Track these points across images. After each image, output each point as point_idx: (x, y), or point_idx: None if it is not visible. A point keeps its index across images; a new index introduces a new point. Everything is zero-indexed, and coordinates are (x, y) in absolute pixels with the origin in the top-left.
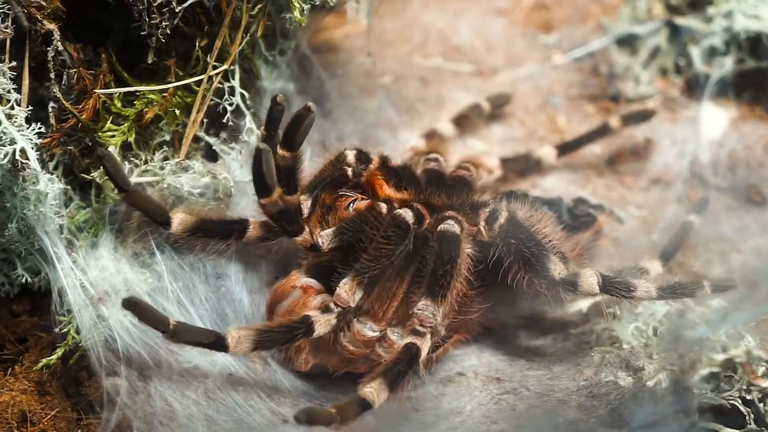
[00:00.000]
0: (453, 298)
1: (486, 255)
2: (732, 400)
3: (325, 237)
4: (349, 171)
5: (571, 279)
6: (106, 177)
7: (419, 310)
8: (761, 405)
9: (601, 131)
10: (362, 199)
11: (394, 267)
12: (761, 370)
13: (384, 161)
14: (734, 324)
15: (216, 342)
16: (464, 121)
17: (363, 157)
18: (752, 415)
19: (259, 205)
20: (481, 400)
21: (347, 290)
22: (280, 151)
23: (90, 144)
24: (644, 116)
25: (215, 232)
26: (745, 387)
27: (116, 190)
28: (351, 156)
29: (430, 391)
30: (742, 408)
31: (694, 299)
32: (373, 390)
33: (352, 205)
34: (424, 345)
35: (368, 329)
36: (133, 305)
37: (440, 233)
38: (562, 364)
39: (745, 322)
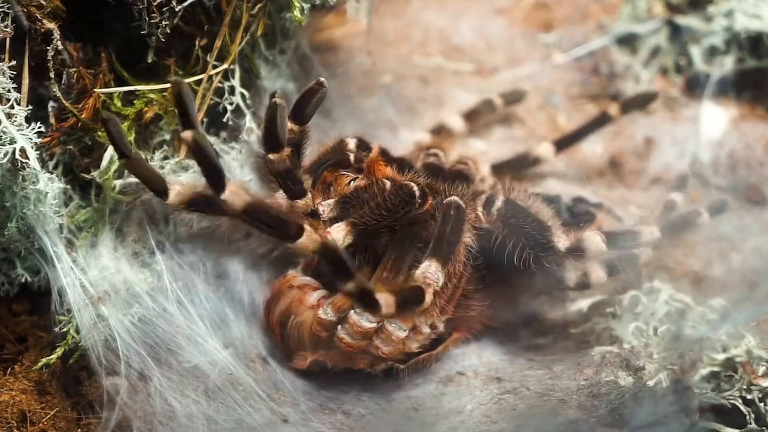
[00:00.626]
0: (458, 262)
1: (486, 244)
2: (732, 399)
3: (326, 205)
4: (351, 156)
5: (576, 245)
6: (109, 141)
7: (421, 270)
8: (762, 404)
9: (601, 121)
10: (363, 179)
11: (388, 227)
12: (762, 369)
13: (383, 150)
14: (735, 323)
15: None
16: (475, 117)
17: (363, 144)
18: (753, 415)
19: (265, 162)
20: (482, 400)
21: (338, 228)
22: (288, 124)
23: (90, 143)
24: (644, 101)
25: (211, 208)
26: (745, 386)
27: (117, 156)
28: (352, 143)
29: (430, 390)
30: (742, 407)
31: (695, 228)
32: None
33: (352, 183)
34: (428, 294)
35: (365, 320)
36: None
37: (448, 202)
38: (562, 364)
39: (745, 321)
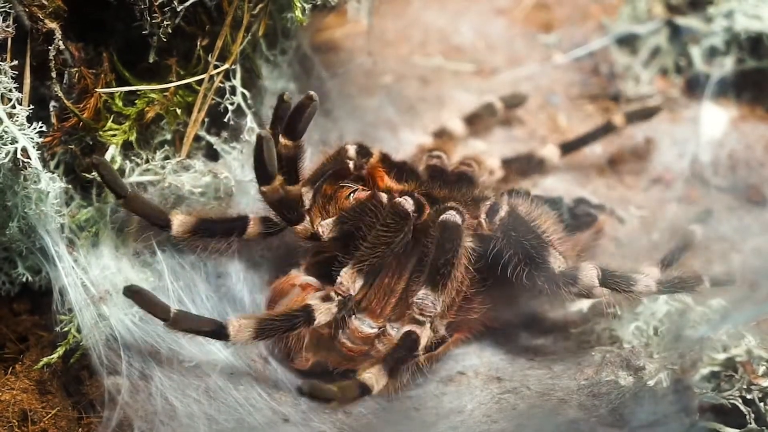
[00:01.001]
0: (453, 288)
1: (486, 249)
2: (732, 399)
3: (325, 226)
4: (351, 164)
5: (571, 272)
6: (103, 184)
7: (419, 299)
8: (762, 404)
9: (605, 129)
10: (363, 189)
11: (393, 256)
12: (762, 369)
13: (384, 156)
14: (735, 323)
15: (216, 330)
16: (476, 120)
17: (363, 151)
18: (753, 415)
19: (260, 193)
20: (482, 400)
21: (347, 278)
22: (282, 140)
23: (91, 143)
24: (649, 113)
25: (216, 232)
26: (745, 386)
27: (114, 197)
28: (352, 150)
29: (431, 390)
30: (742, 407)
31: (694, 293)
32: (372, 375)
33: (352, 195)
34: (424, 333)
35: (366, 326)
36: (134, 293)
37: (442, 222)
38: (562, 364)
39: (745, 321)
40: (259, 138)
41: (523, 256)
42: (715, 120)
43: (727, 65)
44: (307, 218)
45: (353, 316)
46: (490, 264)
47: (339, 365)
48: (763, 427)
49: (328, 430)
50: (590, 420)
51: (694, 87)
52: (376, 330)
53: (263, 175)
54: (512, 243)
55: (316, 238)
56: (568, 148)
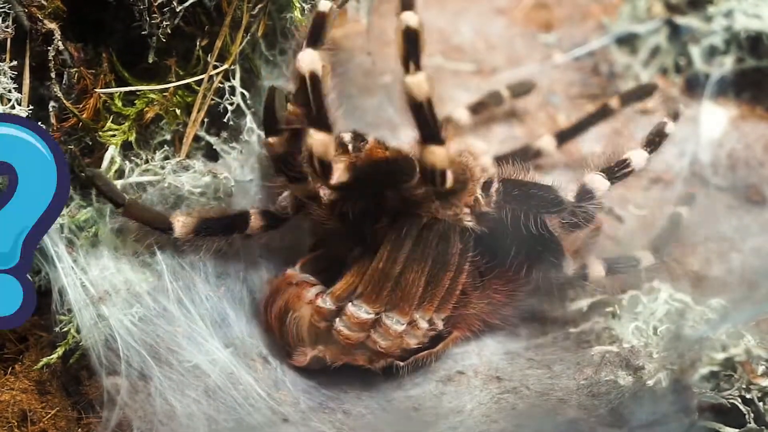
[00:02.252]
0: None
1: (487, 228)
2: (732, 399)
3: (336, 171)
4: (350, 147)
5: (582, 190)
6: (100, 196)
7: None
8: (761, 404)
9: (602, 113)
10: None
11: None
12: (761, 369)
13: (379, 142)
14: (734, 323)
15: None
16: (482, 109)
17: (359, 137)
18: (752, 414)
19: (265, 146)
20: (482, 399)
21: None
22: (294, 108)
23: (90, 143)
24: (644, 93)
25: (218, 230)
26: (744, 386)
27: (113, 207)
28: (348, 137)
29: (430, 390)
30: (741, 407)
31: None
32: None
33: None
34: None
35: (363, 312)
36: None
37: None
38: (562, 363)
39: (745, 321)
40: (271, 89)
41: (537, 202)
42: (714, 119)
43: (726, 64)
44: (309, 179)
45: (350, 302)
46: (487, 259)
47: (337, 359)
48: (763, 427)
49: (327, 430)
50: (590, 420)
51: (693, 86)
52: (372, 316)
53: (271, 127)
54: (520, 200)
55: (316, 199)
56: (565, 136)
